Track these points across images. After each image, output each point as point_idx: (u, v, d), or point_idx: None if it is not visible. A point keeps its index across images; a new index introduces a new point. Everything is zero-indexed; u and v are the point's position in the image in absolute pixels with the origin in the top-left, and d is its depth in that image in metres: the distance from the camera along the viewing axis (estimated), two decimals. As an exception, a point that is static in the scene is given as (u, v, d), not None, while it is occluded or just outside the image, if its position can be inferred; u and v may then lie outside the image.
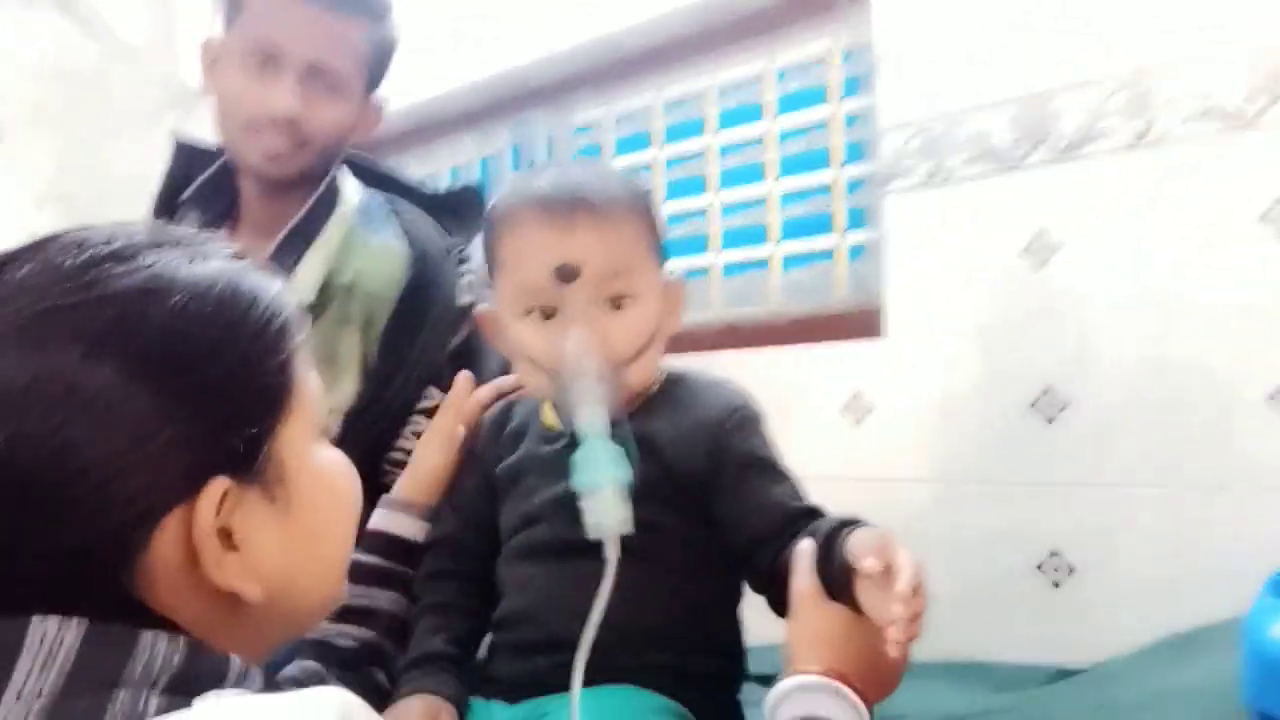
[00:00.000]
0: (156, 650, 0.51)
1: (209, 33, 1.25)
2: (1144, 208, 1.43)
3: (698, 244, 2.02)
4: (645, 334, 0.90)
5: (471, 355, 1.19)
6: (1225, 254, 1.36)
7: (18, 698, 0.48)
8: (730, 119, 2.00)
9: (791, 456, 0.93)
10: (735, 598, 0.93)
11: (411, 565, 0.98)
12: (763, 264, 1.94)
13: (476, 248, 1.21)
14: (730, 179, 2.00)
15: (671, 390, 0.95)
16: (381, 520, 1.00)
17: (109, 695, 0.49)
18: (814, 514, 0.87)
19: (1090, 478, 1.46)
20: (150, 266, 0.55)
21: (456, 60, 2.30)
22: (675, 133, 2.09)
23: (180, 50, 2.62)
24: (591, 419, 0.82)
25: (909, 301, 1.66)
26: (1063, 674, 1.31)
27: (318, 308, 1.20)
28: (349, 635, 0.93)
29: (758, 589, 0.90)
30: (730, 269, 1.99)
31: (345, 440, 1.11)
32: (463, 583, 0.96)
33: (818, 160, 1.87)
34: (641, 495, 0.81)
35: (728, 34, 1.99)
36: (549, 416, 0.95)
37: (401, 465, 1.07)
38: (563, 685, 0.72)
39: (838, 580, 0.78)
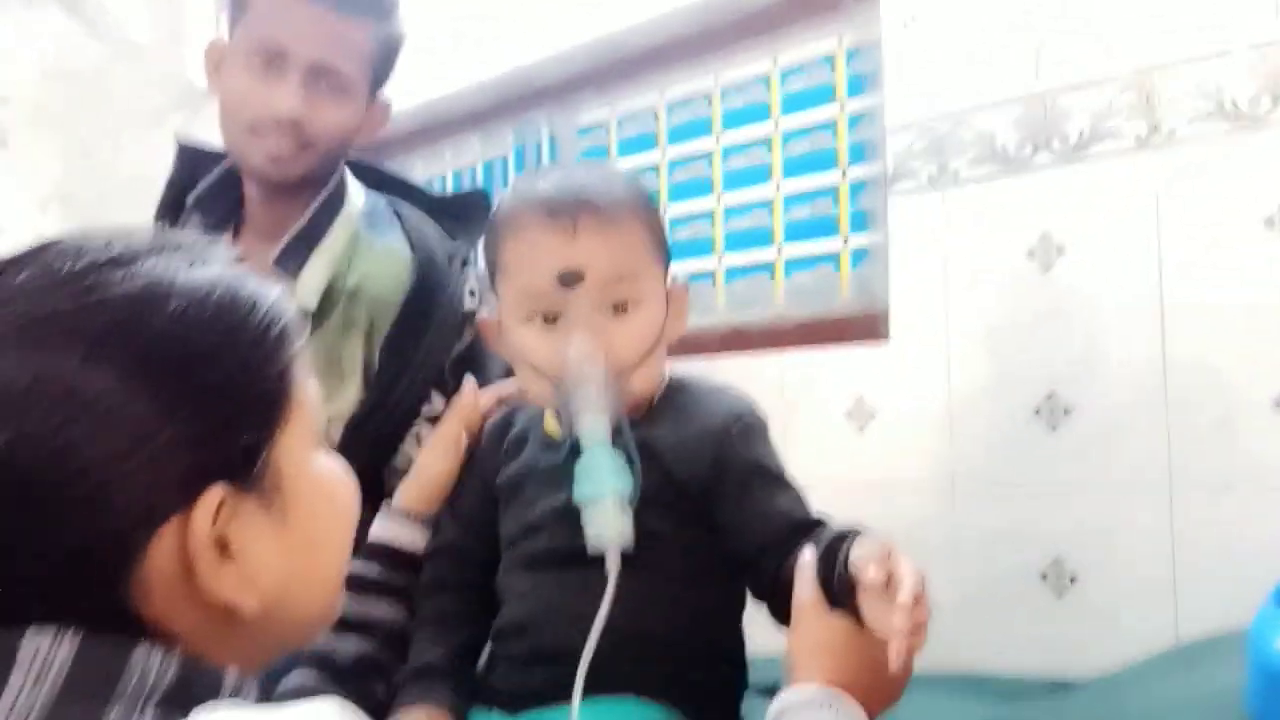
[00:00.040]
0: (150, 664, 0.51)
1: (214, 34, 1.24)
2: (1150, 209, 1.42)
3: (702, 247, 2.02)
4: (649, 340, 0.90)
5: (475, 361, 1.18)
6: (1232, 255, 1.35)
7: (9, 714, 0.48)
8: (734, 119, 1.99)
9: (796, 460, 0.93)
10: (738, 607, 0.92)
11: (413, 575, 0.97)
12: (767, 267, 1.93)
13: (481, 252, 1.21)
14: (734, 181, 1.99)
15: (674, 397, 0.94)
16: (382, 529, 0.99)
17: (101, 711, 0.49)
18: (818, 523, 0.86)
19: (1096, 483, 1.45)
20: (149, 272, 0.55)
21: (459, 61, 2.29)
22: (679, 134, 2.08)
23: (186, 50, 2.62)
24: (594, 427, 0.82)
25: (913, 305, 1.66)
26: (1066, 685, 1.31)
27: (321, 312, 1.20)
28: (347, 647, 0.92)
29: (760, 598, 0.89)
30: (733, 272, 1.98)
31: (347, 447, 1.12)
32: (463, 593, 0.95)
33: (822, 162, 1.87)
34: (644, 503, 0.80)
35: (731, 33, 1.98)
36: (551, 424, 0.95)
37: (404, 472, 1.06)
38: (563, 697, 0.71)
39: (840, 591, 0.77)
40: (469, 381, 1.07)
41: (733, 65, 2.00)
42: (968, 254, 1.59)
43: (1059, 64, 1.51)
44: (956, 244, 1.61)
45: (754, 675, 0.93)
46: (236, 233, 1.29)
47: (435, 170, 2.57)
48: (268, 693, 0.84)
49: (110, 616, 0.52)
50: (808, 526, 0.86)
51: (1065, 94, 1.50)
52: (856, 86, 1.82)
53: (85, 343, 0.52)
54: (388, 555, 0.98)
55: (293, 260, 1.22)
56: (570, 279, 0.86)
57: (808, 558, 0.82)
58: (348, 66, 1.20)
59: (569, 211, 0.88)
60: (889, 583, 0.71)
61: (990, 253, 1.57)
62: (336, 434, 1.16)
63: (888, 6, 1.70)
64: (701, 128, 2.04)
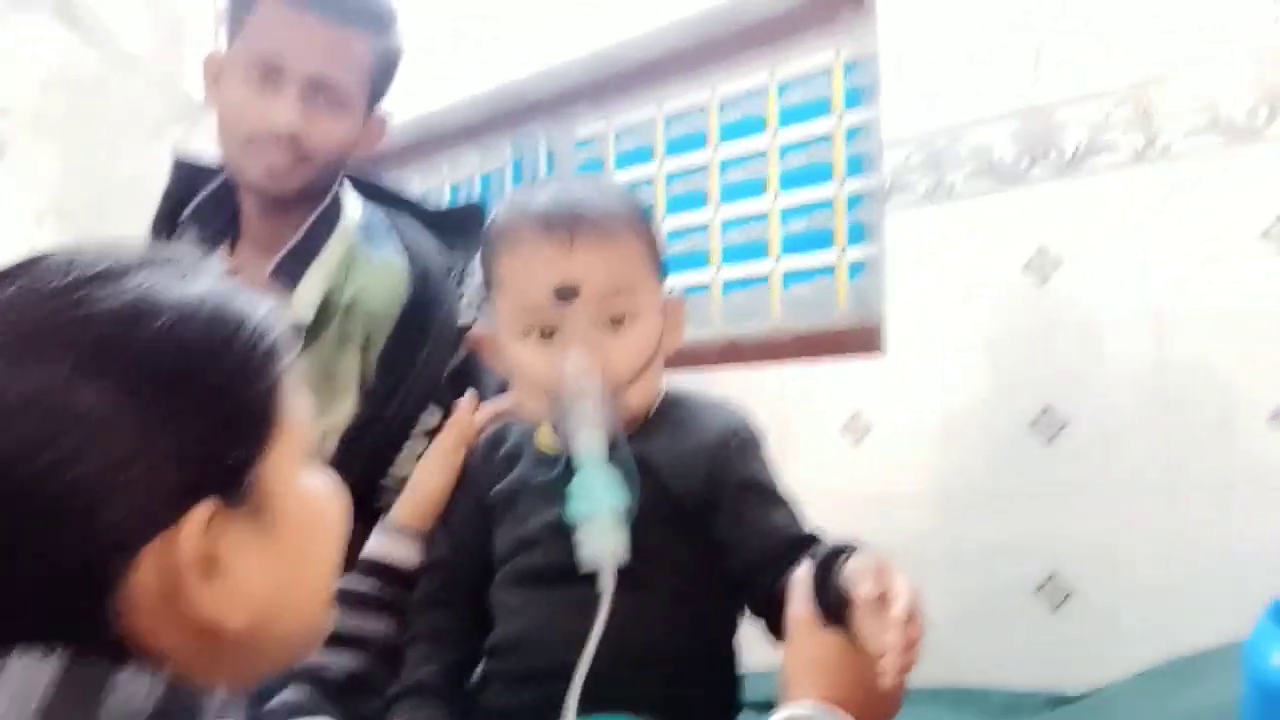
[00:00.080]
0: (135, 687, 0.51)
1: (213, 46, 1.24)
2: (1146, 222, 1.43)
3: (698, 259, 2.02)
4: (646, 354, 0.90)
5: (471, 376, 1.18)
6: (1228, 268, 1.36)
7: None
8: (731, 132, 2.00)
9: (792, 474, 0.93)
10: (733, 624, 0.92)
11: (408, 590, 0.97)
12: (763, 280, 1.94)
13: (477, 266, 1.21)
14: (731, 194, 1.99)
15: (670, 411, 0.94)
16: (377, 545, 0.99)
17: None
18: (813, 539, 0.86)
19: (1092, 495, 1.45)
20: (137, 287, 0.55)
21: (457, 74, 2.30)
22: (676, 146, 2.09)
23: (184, 62, 2.62)
24: (590, 444, 0.82)
25: (910, 318, 1.66)
26: (1062, 699, 1.30)
27: (317, 326, 1.19)
28: (340, 663, 0.92)
29: (756, 613, 0.89)
30: (730, 285, 1.99)
31: (342, 461, 1.12)
32: (455, 609, 0.95)
33: (819, 174, 1.87)
34: (639, 518, 0.80)
35: (729, 46, 1.99)
36: (544, 438, 0.94)
37: (398, 488, 1.06)
38: (556, 715, 0.71)
39: (834, 607, 0.77)
40: (466, 398, 1.07)
41: (730, 78, 2.00)
42: (964, 267, 1.59)
43: (1056, 78, 1.51)
44: (953, 257, 1.61)
45: (748, 690, 0.92)
46: (233, 246, 1.29)
47: (433, 183, 2.57)
48: (259, 709, 0.83)
49: (96, 635, 0.52)
50: (803, 542, 0.85)
51: (1062, 108, 1.51)
52: (854, 99, 1.83)
53: (71, 358, 0.52)
54: (383, 571, 0.97)
55: (289, 274, 1.21)
56: (566, 294, 0.86)
57: (802, 574, 0.81)
58: (346, 80, 1.20)
59: (565, 226, 0.88)
60: (882, 599, 0.71)
61: (987, 266, 1.57)
62: (332, 448, 1.15)
63: (884, 20, 1.70)
64: (699, 140, 2.05)
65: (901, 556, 0.75)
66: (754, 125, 1.97)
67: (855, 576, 0.74)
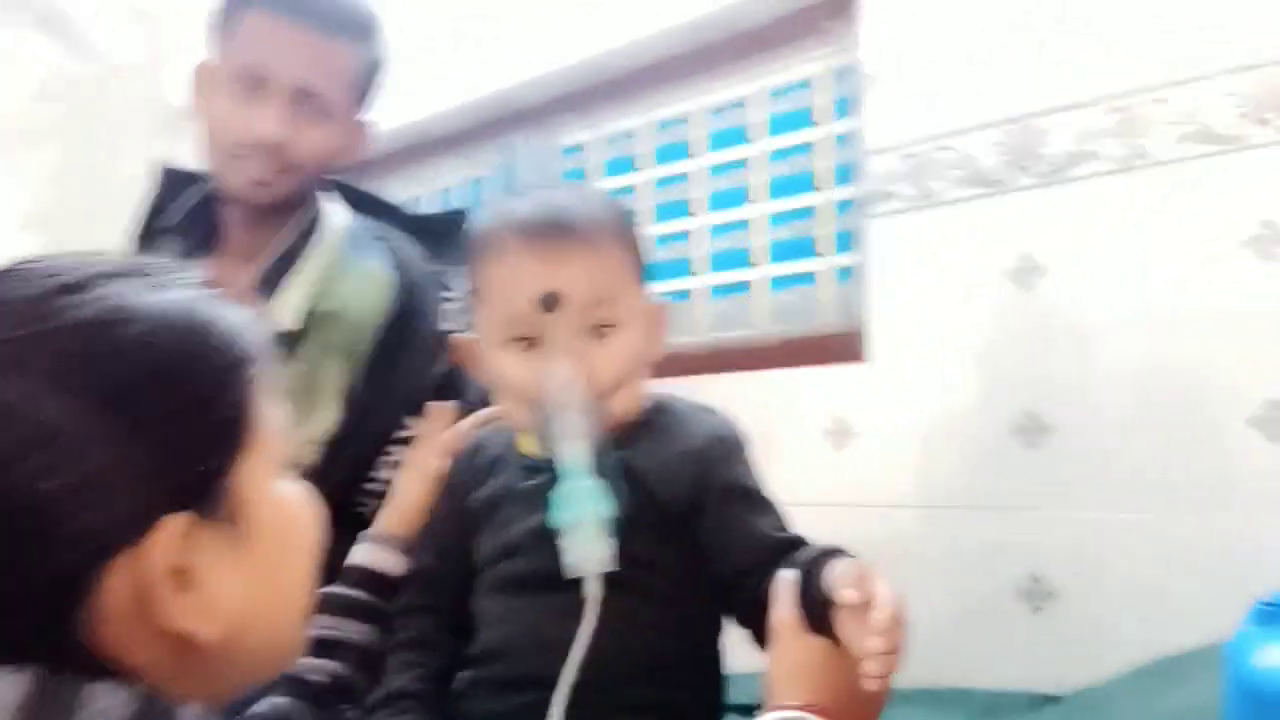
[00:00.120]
0: (109, 702, 0.50)
1: (200, 57, 1.24)
2: (1131, 231, 1.43)
3: (683, 267, 2.02)
4: (629, 362, 0.90)
5: (454, 384, 1.17)
6: (1213, 276, 1.36)
7: None
8: (718, 140, 2.01)
9: (776, 480, 0.93)
10: (718, 629, 0.92)
11: (391, 599, 0.97)
12: (747, 287, 1.94)
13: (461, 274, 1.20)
14: (717, 201, 2.00)
15: (655, 418, 0.94)
16: (362, 554, 0.99)
17: None
18: (798, 544, 0.86)
19: (1075, 502, 1.45)
20: (107, 297, 0.54)
21: (444, 82, 2.30)
22: (663, 154, 2.09)
23: (168, 72, 2.61)
24: (574, 454, 0.81)
25: (893, 325, 1.66)
26: (1046, 700, 1.31)
27: (300, 335, 1.19)
28: (321, 670, 0.91)
29: (741, 621, 0.89)
30: (715, 292, 1.99)
31: (324, 470, 1.11)
32: (437, 617, 0.94)
33: (805, 183, 1.88)
34: (625, 525, 0.80)
35: (716, 55, 2.00)
36: (526, 445, 0.94)
37: (379, 496, 1.06)
38: (540, 722, 0.71)
39: (817, 612, 0.77)
40: (443, 406, 1.06)
41: (717, 87, 2.01)
42: (948, 275, 1.60)
43: (1041, 86, 1.51)
44: (937, 265, 1.61)
45: (732, 693, 0.92)
46: (215, 256, 1.28)
47: (418, 191, 2.57)
48: (240, 714, 0.83)
49: (69, 650, 0.51)
50: (788, 546, 0.85)
51: (1047, 116, 1.51)
52: (841, 108, 1.83)
53: (39, 369, 0.51)
54: (367, 579, 0.97)
55: (271, 283, 1.21)
56: (550, 303, 0.86)
57: (786, 579, 0.81)
58: (331, 89, 1.20)
59: (548, 235, 0.87)
60: (865, 604, 0.71)
61: (971, 274, 1.57)
62: (313, 456, 1.15)
63: (868, 29, 1.71)
64: (685, 148, 2.05)
65: (885, 561, 0.75)
66: (741, 134, 1.97)
67: (838, 582, 0.74)
